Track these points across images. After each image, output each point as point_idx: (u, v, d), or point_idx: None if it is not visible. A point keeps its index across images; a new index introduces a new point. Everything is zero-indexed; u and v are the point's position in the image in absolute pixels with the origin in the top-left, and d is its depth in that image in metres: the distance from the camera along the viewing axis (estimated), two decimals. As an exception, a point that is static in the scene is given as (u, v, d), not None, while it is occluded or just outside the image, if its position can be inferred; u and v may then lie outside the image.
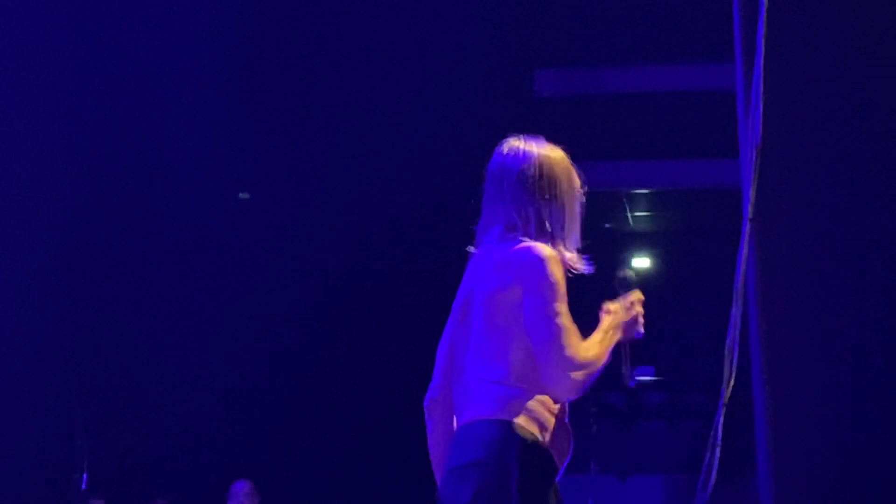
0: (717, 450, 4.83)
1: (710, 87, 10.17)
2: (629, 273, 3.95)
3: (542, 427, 3.59)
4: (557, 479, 3.67)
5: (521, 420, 3.56)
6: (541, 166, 3.82)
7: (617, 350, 3.82)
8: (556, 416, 3.66)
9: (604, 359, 3.69)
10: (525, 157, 3.84)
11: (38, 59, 9.45)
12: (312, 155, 10.75)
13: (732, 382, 4.88)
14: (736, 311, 4.97)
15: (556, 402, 3.67)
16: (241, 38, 10.15)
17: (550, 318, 3.59)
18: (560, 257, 3.71)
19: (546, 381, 3.60)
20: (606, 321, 3.79)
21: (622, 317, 3.84)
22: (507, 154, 3.88)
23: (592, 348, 3.65)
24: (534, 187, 3.79)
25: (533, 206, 3.77)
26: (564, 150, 3.96)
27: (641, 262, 13.10)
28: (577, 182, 3.89)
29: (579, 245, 3.86)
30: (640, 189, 12.28)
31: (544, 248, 3.69)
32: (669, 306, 11.67)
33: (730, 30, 5.47)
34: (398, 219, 10.79)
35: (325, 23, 10.16)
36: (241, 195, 11.55)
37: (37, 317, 9.79)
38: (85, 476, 9.63)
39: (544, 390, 3.62)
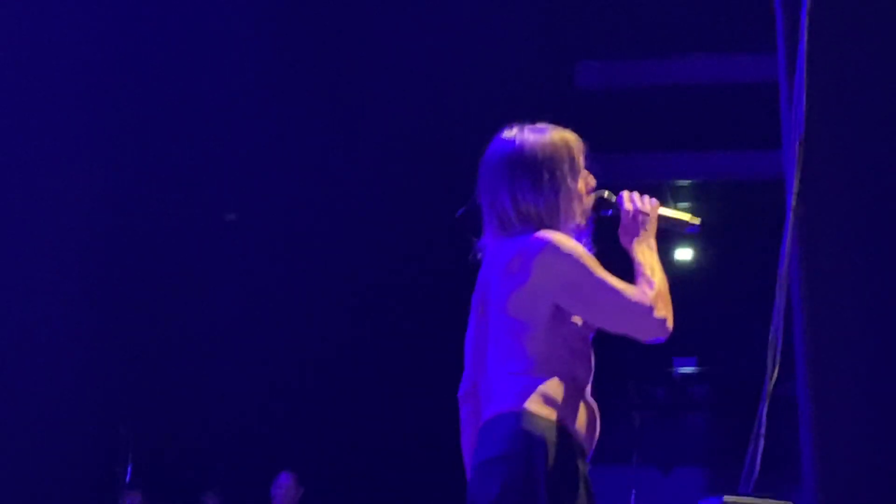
0: (761, 441, 4.81)
1: (753, 78, 10.12)
2: (601, 192, 3.88)
3: (566, 414, 3.56)
4: (587, 460, 3.65)
5: (544, 410, 3.53)
6: (524, 153, 3.75)
7: (666, 230, 3.83)
8: (581, 398, 3.65)
9: (663, 274, 3.66)
10: (510, 145, 3.79)
11: (65, 59, 9.50)
12: (351, 146, 10.76)
13: (776, 374, 4.86)
14: (780, 302, 4.95)
15: (582, 378, 3.66)
16: (269, 40, 10.15)
17: (598, 288, 3.57)
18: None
19: (639, 337, 3.59)
20: (635, 249, 3.76)
21: (639, 221, 3.81)
22: (496, 143, 3.86)
23: (649, 281, 3.62)
24: (516, 175, 3.73)
25: (520, 197, 3.72)
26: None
27: (684, 253, 13.05)
28: (576, 168, 3.80)
29: (580, 227, 3.81)
30: (683, 180, 12.24)
31: (550, 233, 3.63)
32: (712, 298, 11.63)
33: (772, 20, 5.44)
34: (433, 211, 10.78)
35: (363, 17, 10.17)
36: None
37: (82, 312, 9.86)
38: (129, 469, 9.71)
39: (567, 376, 3.61)
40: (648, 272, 3.65)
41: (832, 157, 5.12)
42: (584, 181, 3.82)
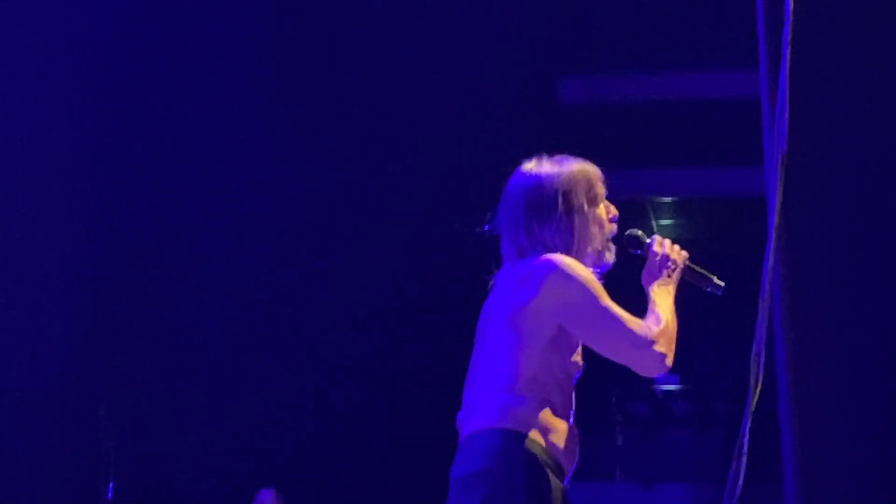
0: (744, 458, 4.81)
1: (736, 94, 10.14)
2: (634, 231, 3.91)
3: (548, 433, 3.58)
4: (565, 482, 3.65)
5: (524, 428, 3.55)
6: (531, 188, 3.79)
7: (690, 283, 3.83)
8: (563, 422, 3.65)
9: (674, 316, 3.72)
10: (529, 179, 3.83)
11: (61, 58, 9.48)
12: (334, 163, 10.74)
13: (759, 390, 4.86)
14: (762, 318, 4.95)
15: (561, 408, 3.66)
16: (263, 41, 10.16)
17: (601, 316, 3.59)
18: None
19: (637, 369, 3.66)
20: (653, 290, 3.79)
21: (664, 266, 3.83)
22: (515, 176, 3.89)
23: (657, 318, 3.68)
24: (524, 210, 3.77)
25: (525, 230, 3.76)
26: (585, 156, 3.94)
27: (666, 270, 13.06)
28: (587, 195, 3.82)
29: (604, 260, 3.83)
30: (665, 197, 12.25)
31: (560, 256, 3.67)
32: (695, 314, 11.62)
33: (755, 35, 5.45)
34: (420, 225, 10.78)
35: (348, 29, 10.18)
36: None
37: (62, 322, 9.81)
38: (111, 485, 9.66)
39: (547, 403, 3.61)
40: (659, 311, 3.70)
41: (815, 174, 5.13)
42: (606, 209, 3.86)
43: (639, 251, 3.89)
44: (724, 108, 10.49)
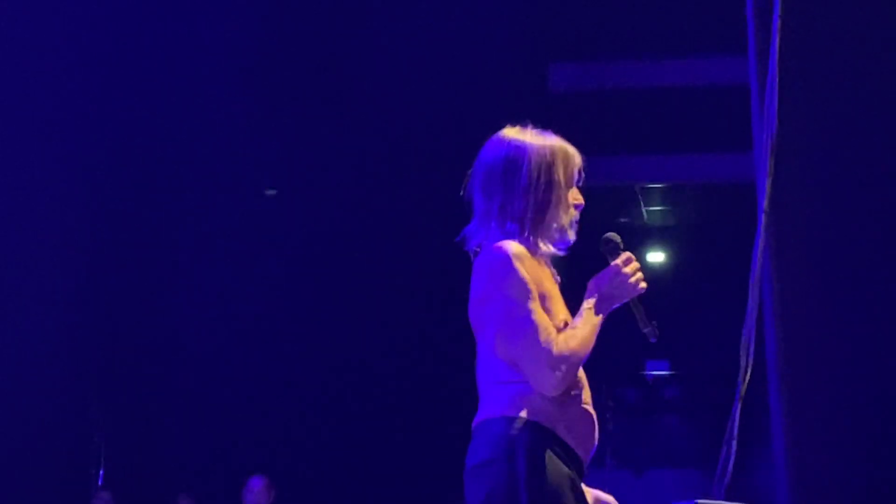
0: (734, 443, 4.82)
1: (724, 81, 10.14)
2: (613, 236, 3.82)
3: (555, 419, 3.53)
4: (585, 465, 3.62)
5: (530, 415, 3.52)
6: (511, 155, 3.74)
7: (630, 312, 3.74)
8: (573, 404, 3.61)
9: (588, 344, 3.57)
10: (510, 147, 3.77)
11: (58, 56, 9.46)
12: (327, 152, 10.74)
13: (749, 375, 4.87)
14: (752, 304, 4.96)
15: (569, 391, 3.62)
16: (261, 34, 10.13)
17: (520, 317, 3.51)
18: (531, 251, 3.64)
19: (529, 380, 3.53)
20: (586, 300, 3.71)
21: (615, 284, 3.75)
22: (495, 142, 3.83)
23: (571, 339, 3.54)
24: (499, 180, 3.71)
25: (497, 200, 3.70)
26: (575, 143, 3.90)
27: (656, 256, 13.08)
28: (565, 173, 3.76)
29: (566, 237, 3.76)
30: (655, 183, 12.25)
31: (509, 246, 3.57)
32: (684, 301, 11.65)
33: (744, 22, 5.45)
34: (408, 213, 10.78)
35: (342, 18, 10.16)
36: (266, 191, 11.57)
37: (56, 313, 9.81)
38: (102, 471, 9.67)
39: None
40: (580, 331, 3.59)
41: (803, 159, 5.13)
42: (574, 195, 3.79)
43: (610, 258, 3.80)
44: (713, 95, 10.50)
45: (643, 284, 3.73)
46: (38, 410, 9.50)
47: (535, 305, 3.53)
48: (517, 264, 3.55)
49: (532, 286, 3.55)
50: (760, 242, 5.03)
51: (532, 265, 3.59)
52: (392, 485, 11.41)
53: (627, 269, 3.72)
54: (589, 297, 3.68)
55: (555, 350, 3.50)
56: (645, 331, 3.76)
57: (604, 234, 3.79)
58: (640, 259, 3.81)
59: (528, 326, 3.51)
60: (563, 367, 3.50)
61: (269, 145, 10.65)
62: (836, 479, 5.01)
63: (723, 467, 4.80)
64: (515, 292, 3.53)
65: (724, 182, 11.43)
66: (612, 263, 3.73)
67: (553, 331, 3.52)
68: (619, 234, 3.80)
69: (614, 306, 3.71)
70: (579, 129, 4.01)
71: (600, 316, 3.66)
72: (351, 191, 10.94)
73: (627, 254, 3.75)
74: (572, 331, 3.57)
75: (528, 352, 3.50)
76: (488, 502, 3.45)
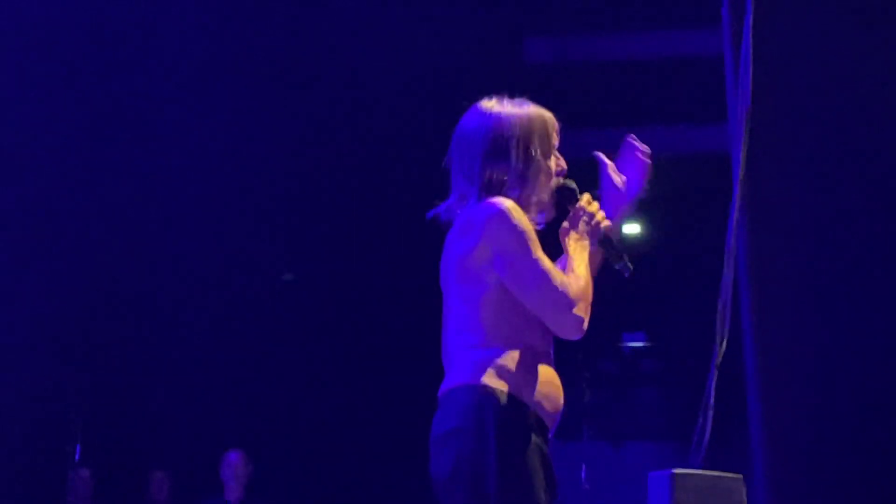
0: (710, 413, 4.83)
1: (698, 52, 10.14)
2: (569, 182, 3.84)
3: (522, 385, 3.53)
4: (551, 433, 3.63)
5: (497, 383, 3.51)
6: (490, 127, 3.74)
7: (605, 283, 3.78)
8: (540, 370, 3.62)
9: (590, 280, 3.64)
10: (488, 117, 3.78)
11: (36, 63, 9.40)
12: (299, 126, 10.70)
13: (725, 345, 4.88)
14: (727, 275, 4.97)
15: (541, 344, 3.64)
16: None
17: (530, 268, 3.54)
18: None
19: (554, 329, 3.58)
20: (570, 244, 3.72)
21: (582, 226, 3.77)
22: (473, 113, 3.84)
23: (581, 279, 3.60)
24: (480, 148, 3.72)
25: (479, 168, 3.71)
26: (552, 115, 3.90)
27: (631, 228, 13.09)
28: (543, 142, 3.77)
29: (547, 209, 3.78)
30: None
31: (503, 201, 3.60)
32: (660, 272, 11.67)
33: (718, -6, 5.46)
34: (386, 189, 10.78)
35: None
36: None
37: (30, 291, 9.80)
38: (78, 447, 9.65)
39: (522, 345, 3.59)
40: (579, 270, 3.63)
41: (778, 130, 5.14)
42: (556, 161, 3.81)
43: (569, 205, 3.82)
44: (687, 66, 10.50)
45: (607, 221, 3.79)
46: (12, 388, 9.49)
47: (540, 253, 3.57)
48: (516, 215, 3.57)
49: (533, 235, 3.58)
50: (735, 213, 5.04)
51: (524, 216, 3.62)
52: (371, 458, 11.44)
53: (591, 209, 3.78)
54: (566, 243, 3.72)
55: (571, 293, 3.54)
56: (617, 266, 3.80)
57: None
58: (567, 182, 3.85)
59: (541, 277, 3.54)
60: (584, 307, 3.56)
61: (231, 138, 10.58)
62: (812, 446, 5.04)
63: (699, 436, 4.82)
64: (520, 244, 3.56)
65: (699, 153, 11.45)
66: (578, 206, 3.77)
67: (561, 275, 3.56)
68: (595, 206, 3.82)
69: (589, 248, 3.74)
70: (555, 102, 4.00)
71: (586, 252, 3.71)
72: (322, 165, 10.90)
73: (587, 195, 3.81)
74: (575, 272, 3.61)
75: (547, 299, 3.53)
76: (456, 471, 3.46)
